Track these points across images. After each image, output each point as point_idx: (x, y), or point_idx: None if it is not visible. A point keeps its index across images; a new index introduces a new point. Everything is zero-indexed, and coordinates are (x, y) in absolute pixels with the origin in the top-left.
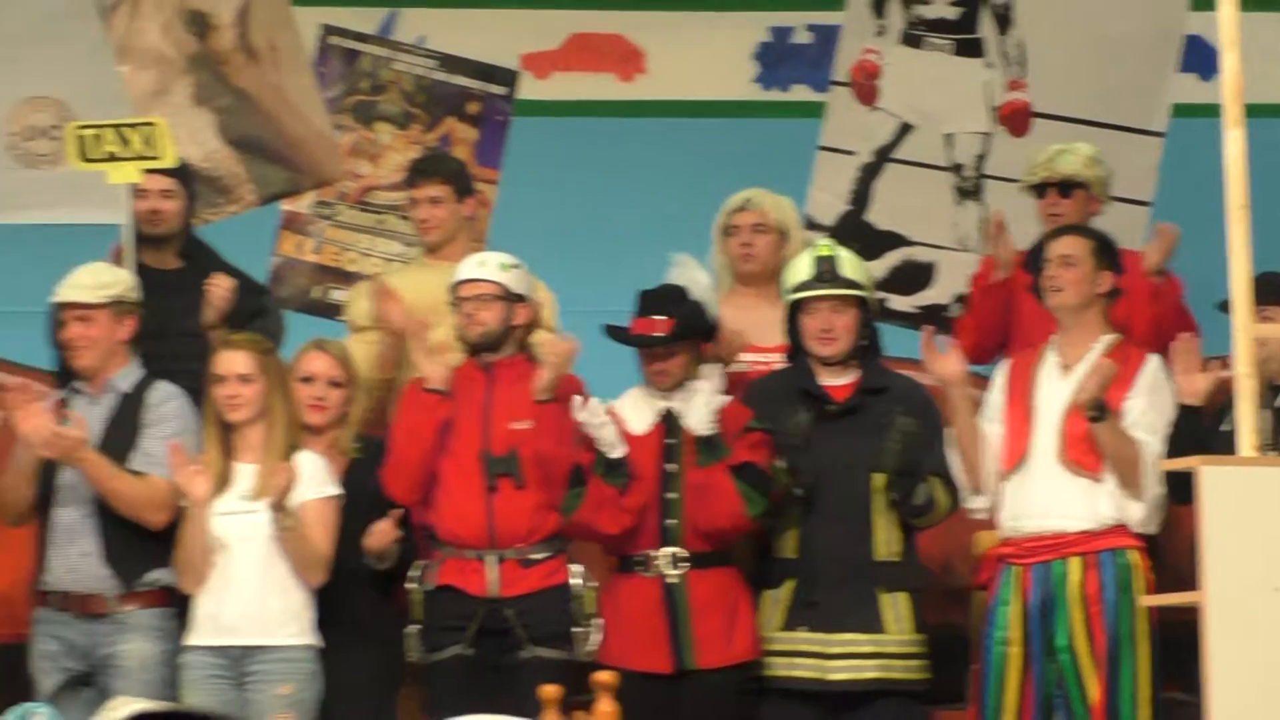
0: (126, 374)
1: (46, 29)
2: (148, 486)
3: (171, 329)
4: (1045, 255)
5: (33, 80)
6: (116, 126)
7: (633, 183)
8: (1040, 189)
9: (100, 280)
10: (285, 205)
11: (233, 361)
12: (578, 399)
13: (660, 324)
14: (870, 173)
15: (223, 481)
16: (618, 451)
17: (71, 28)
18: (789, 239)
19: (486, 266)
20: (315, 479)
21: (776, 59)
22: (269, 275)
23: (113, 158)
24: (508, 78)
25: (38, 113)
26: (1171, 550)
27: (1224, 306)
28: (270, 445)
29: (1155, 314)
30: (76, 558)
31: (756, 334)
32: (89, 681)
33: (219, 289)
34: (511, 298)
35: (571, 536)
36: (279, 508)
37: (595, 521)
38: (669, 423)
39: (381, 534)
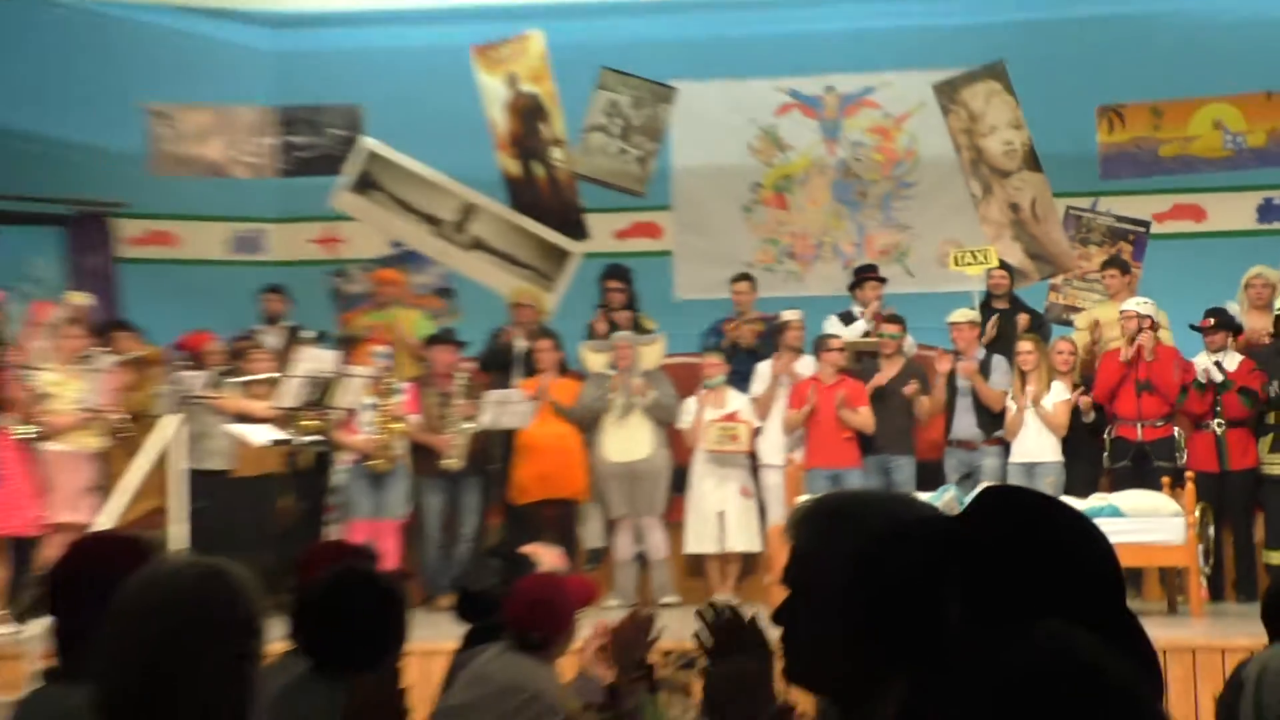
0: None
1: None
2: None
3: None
4: None
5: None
6: (973, 251)
7: (1192, 268)
8: None
9: (957, 315)
10: (1051, 280)
11: (1024, 346)
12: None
13: (1208, 324)
14: None
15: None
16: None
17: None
18: (1276, 293)
19: (1130, 304)
20: (1060, 394)
21: (1270, 210)
22: (1044, 310)
23: (970, 263)
24: (1144, 223)
25: (948, 245)
26: None
27: None
28: (1039, 379)
29: None
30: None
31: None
32: (972, 476)
33: (1023, 319)
34: (1141, 317)
35: (1181, 413)
36: (1035, 405)
37: (1196, 409)
38: (1218, 366)
39: (1078, 407)
